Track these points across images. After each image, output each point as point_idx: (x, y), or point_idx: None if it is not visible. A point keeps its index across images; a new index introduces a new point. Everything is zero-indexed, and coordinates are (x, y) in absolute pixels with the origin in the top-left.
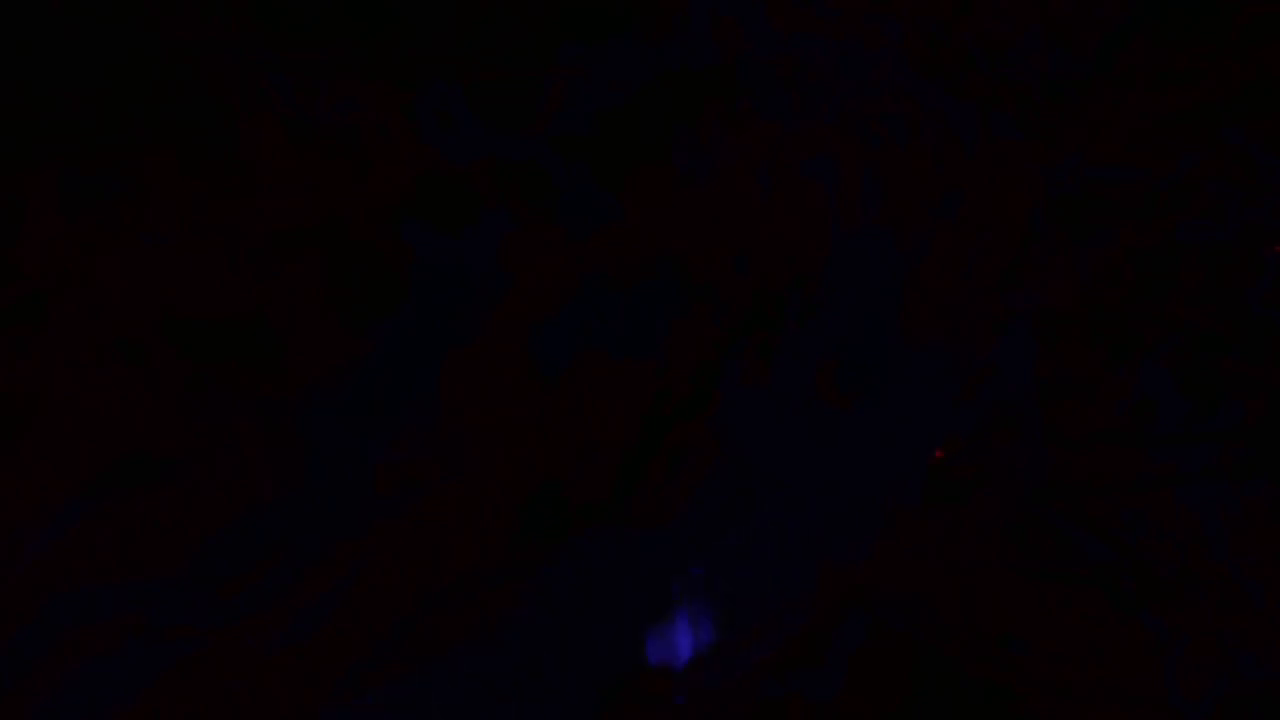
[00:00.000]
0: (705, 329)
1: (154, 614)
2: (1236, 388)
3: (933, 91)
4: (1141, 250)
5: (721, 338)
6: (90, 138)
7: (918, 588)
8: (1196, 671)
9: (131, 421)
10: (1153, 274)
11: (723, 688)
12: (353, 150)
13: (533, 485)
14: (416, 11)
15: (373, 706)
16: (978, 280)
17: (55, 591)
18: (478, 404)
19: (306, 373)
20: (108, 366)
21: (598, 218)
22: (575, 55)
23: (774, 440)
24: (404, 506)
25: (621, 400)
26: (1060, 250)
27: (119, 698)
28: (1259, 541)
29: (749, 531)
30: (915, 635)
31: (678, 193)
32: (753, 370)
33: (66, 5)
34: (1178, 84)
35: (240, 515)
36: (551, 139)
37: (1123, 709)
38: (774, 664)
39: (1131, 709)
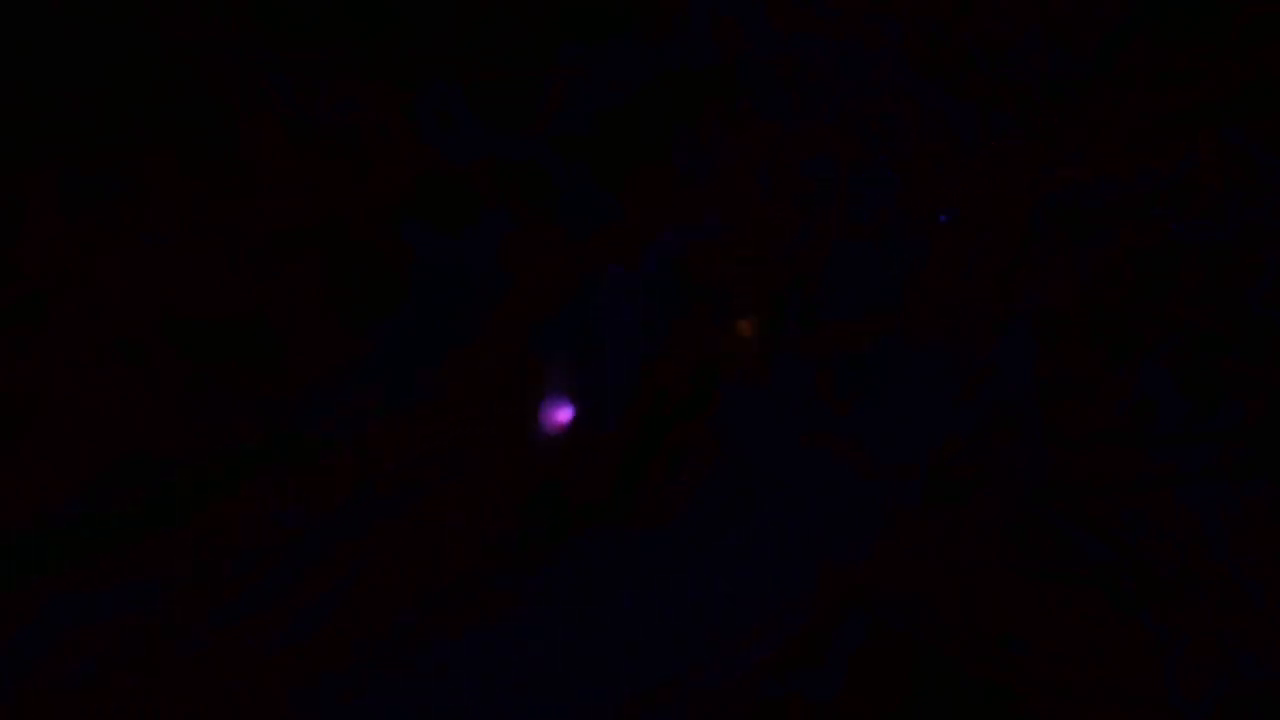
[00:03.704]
0: (705, 329)
1: (154, 614)
2: (1236, 388)
3: (933, 91)
4: (1141, 250)
5: (721, 338)
6: (90, 138)
7: (918, 588)
8: (1196, 671)
9: (131, 421)
10: (1153, 274)
11: (723, 688)
12: (353, 150)
13: (533, 485)
14: (416, 11)
15: (373, 706)
16: (978, 280)
17: (55, 591)
18: (478, 404)
19: (306, 373)
20: (108, 366)
21: (598, 218)
22: (575, 55)
23: (774, 440)
24: (404, 506)
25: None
26: (1060, 250)
27: (119, 697)
28: (1259, 542)
29: (749, 531)
30: (915, 635)
31: (678, 193)
32: (752, 371)
33: (66, 5)
34: (1178, 84)
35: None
36: (552, 139)
37: (1123, 709)
38: (774, 664)
39: (1131, 709)
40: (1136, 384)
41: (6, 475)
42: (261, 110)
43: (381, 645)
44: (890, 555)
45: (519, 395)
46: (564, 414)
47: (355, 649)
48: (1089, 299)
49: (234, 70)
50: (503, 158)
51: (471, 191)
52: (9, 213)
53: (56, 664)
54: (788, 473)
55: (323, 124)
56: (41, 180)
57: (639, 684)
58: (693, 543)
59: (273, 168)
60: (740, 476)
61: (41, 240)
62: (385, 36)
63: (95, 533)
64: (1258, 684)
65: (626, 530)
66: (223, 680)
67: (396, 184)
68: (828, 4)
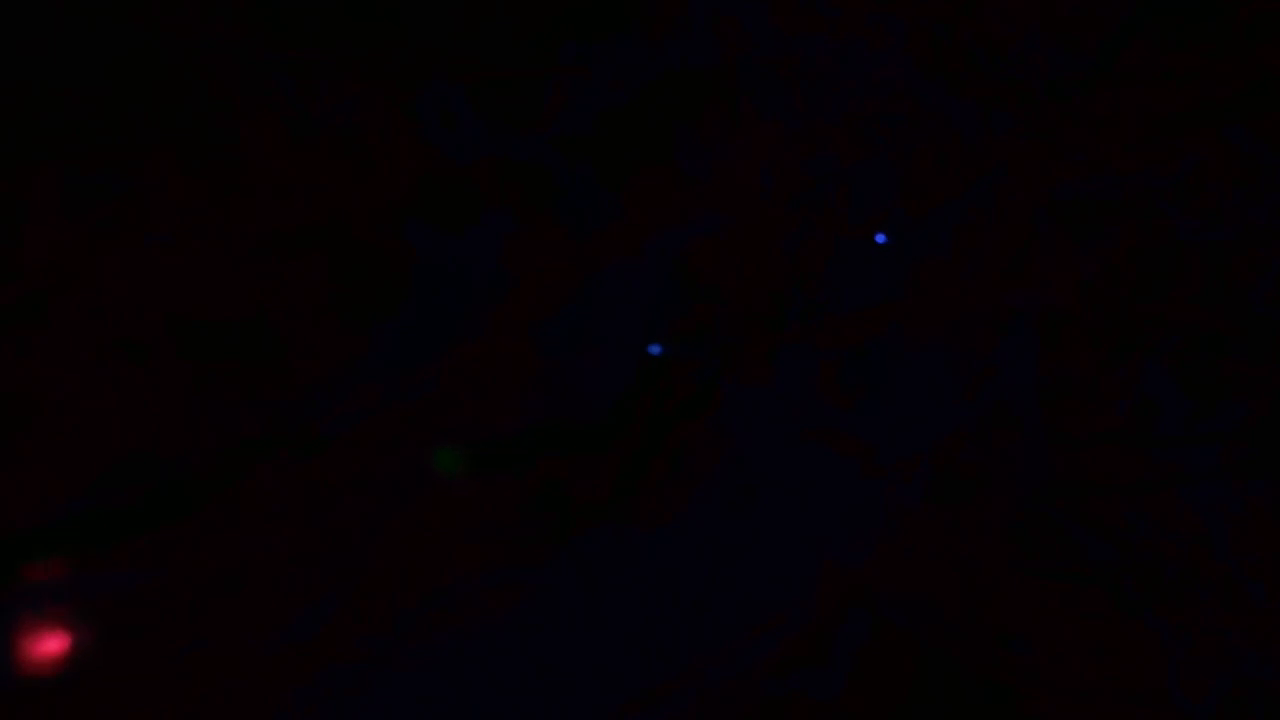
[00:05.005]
0: (705, 329)
1: (154, 613)
2: (1237, 388)
3: (934, 91)
4: (1142, 250)
5: (722, 338)
6: (90, 138)
7: (920, 586)
8: (1199, 671)
9: (133, 421)
10: (1153, 274)
11: (725, 686)
12: (354, 150)
13: (533, 485)
14: (416, 11)
15: (373, 706)
16: (978, 280)
17: (55, 591)
18: (479, 404)
19: (308, 372)
20: (109, 366)
21: (599, 217)
22: (576, 55)
23: (776, 439)
24: (404, 506)
25: (622, 399)
26: (1060, 250)
27: (120, 697)
28: (1261, 541)
29: (751, 530)
30: (917, 635)
31: (678, 193)
32: (754, 370)
33: (66, 5)
34: (1178, 84)
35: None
36: (553, 138)
37: (1125, 708)
38: (776, 663)
39: (1134, 708)
40: (1137, 384)
41: (7, 475)
42: (262, 110)
43: (382, 645)
44: (892, 554)
45: (520, 394)
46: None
47: (356, 649)
48: (1090, 299)
49: (234, 70)
50: (504, 157)
51: (473, 191)
52: (10, 213)
53: (56, 663)
54: (789, 471)
55: (324, 124)
56: (42, 180)
57: (641, 683)
58: (694, 542)
59: (273, 168)
60: (742, 475)
61: (42, 240)
62: (385, 36)
63: (96, 533)
64: (1260, 683)
65: (627, 530)
66: (223, 680)
67: (398, 184)
68: (829, 3)
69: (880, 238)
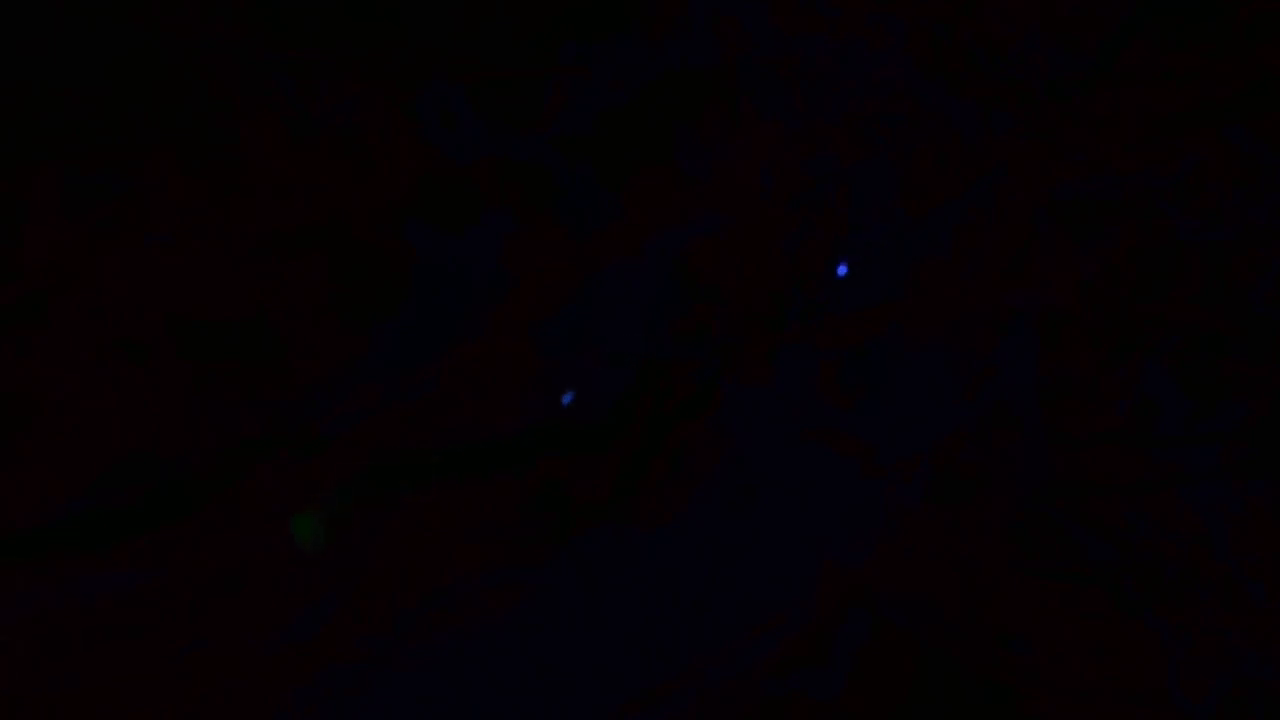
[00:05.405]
0: (705, 329)
1: (154, 613)
2: (1237, 388)
3: (935, 91)
4: (1142, 250)
5: (722, 338)
6: (91, 138)
7: (920, 587)
8: (1198, 670)
9: (133, 421)
10: (1153, 274)
11: (726, 686)
12: (354, 150)
13: (533, 485)
14: (416, 11)
15: (374, 705)
16: (978, 280)
17: (56, 591)
18: (479, 403)
19: (308, 372)
20: (109, 366)
21: (599, 217)
22: (575, 55)
23: (776, 439)
24: (405, 505)
25: (622, 399)
26: (1060, 250)
27: (119, 697)
28: (1261, 541)
29: (751, 530)
30: (918, 634)
31: (678, 193)
32: (754, 370)
33: (66, 5)
34: (1178, 84)
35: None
36: (553, 138)
37: (1125, 707)
38: (777, 662)
39: (1134, 707)
40: (1138, 384)
41: (7, 475)
42: (262, 110)
43: (382, 645)
44: (892, 554)
45: (519, 394)
46: None
47: (356, 649)
48: (1090, 299)
49: (235, 70)
50: (504, 157)
51: (473, 191)
52: (10, 213)
53: (56, 663)
54: (789, 471)
55: (324, 124)
56: (42, 180)
57: (641, 682)
58: (694, 542)
59: (273, 168)
60: (742, 475)
61: (43, 240)
62: (385, 36)
63: (96, 533)
64: (1260, 682)
65: (627, 530)
66: (223, 680)
67: (398, 184)
68: (829, 3)
69: (842, 269)
